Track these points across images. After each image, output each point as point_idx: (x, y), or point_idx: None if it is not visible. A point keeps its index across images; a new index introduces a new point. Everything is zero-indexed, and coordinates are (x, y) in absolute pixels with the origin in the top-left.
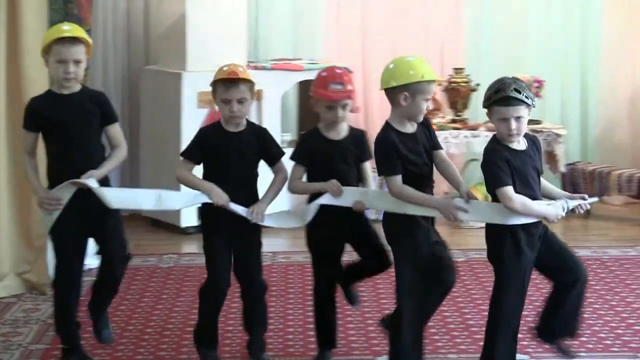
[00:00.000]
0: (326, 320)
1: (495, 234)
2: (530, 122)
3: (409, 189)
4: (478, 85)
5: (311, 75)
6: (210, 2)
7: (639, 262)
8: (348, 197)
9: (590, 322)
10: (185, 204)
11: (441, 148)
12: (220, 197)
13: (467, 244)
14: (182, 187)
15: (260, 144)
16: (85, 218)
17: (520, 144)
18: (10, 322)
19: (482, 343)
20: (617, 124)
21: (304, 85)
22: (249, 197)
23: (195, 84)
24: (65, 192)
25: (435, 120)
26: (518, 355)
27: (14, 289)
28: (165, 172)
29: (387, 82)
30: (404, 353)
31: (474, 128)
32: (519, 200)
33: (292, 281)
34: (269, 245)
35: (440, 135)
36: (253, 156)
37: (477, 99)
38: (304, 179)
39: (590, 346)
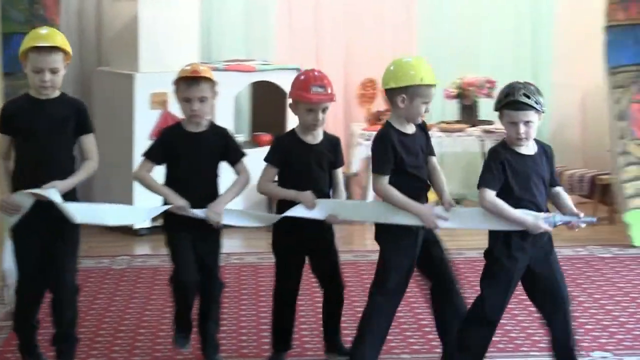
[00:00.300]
0: (284, 324)
1: (492, 232)
2: (482, 122)
3: (393, 191)
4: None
5: (264, 77)
6: (162, 3)
7: (590, 262)
8: (322, 209)
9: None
10: (149, 216)
11: (434, 155)
12: (178, 203)
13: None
14: (138, 189)
15: (223, 145)
16: (45, 228)
17: (528, 149)
18: None
19: (435, 343)
20: (568, 125)
21: (256, 86)
22: (210, 197)
23: (147, 85)
24: (25, 199)
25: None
26: None
27: None
28: (118, 174)
29: (387, 82)
30: (361, 348)
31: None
32: (492, 201)
33: (245, 282)
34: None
35: None
36: (215, 157)
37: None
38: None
39: (543, 345)
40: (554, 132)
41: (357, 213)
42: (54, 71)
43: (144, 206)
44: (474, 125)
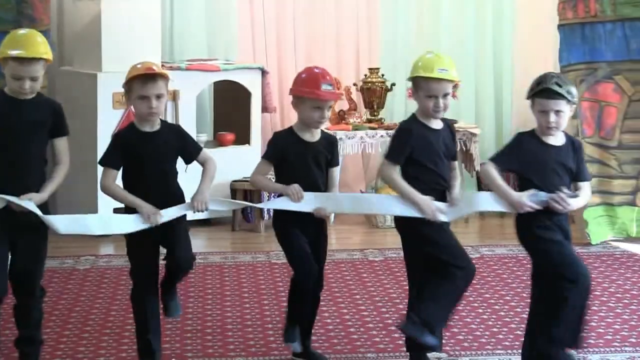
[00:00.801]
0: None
1: (519, 224)
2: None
3: (398, 178)
4: (393, 85)
5: (227, 76)
6: (124, 2)
7: None
8: (310, 202)
9: (507, 319)
10: (136, 227)
11: (455, 159)
12: (151, 214)
13: (384, 244)
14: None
15: (179, 142)
16: (10, 232)
17: (557, 139)
18: None
19: (399, 342)
20: (531, 123)
21: (219, 86)
22: (171, 195)
23: (110, 84)
24: None
25: (352, 120)
26: None
27: None
28: (83, 174)
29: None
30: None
31: (389, 128)
32: (488, 172)
33: (210, 283)
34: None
35: (356, 135)
36: (172, 155)
37: (393, 98)
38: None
39: (507, 344)
40: (516, 130)
41: (346, 205)
42: (34, 79)
43: (130, 216)
44: None
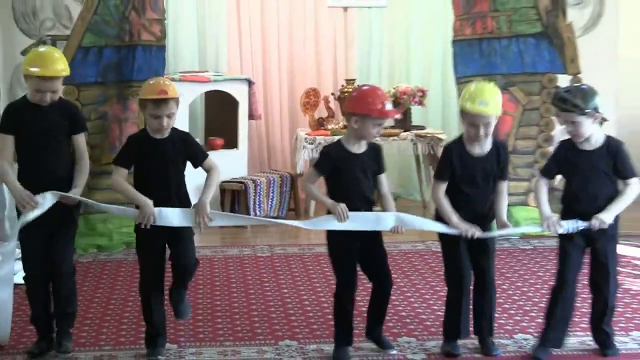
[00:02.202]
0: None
1: None
2: (415, 127)
3: (442, 199)
4: None
5: (217, 86)
6: None
7: (512, 253)
8: (354, 221)
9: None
10: (134, 218)
11: (504, 180)
12: (147, 215)
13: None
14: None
15: (186, 149)
16: (47, 222)
17: (590, 144)
18: None
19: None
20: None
21: (209, 95)
22: (179, 198)
23: None
24: (49, 198)
25: (330, 126)
26: None
27: None
28: None
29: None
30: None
31: None
32: (537, 185)
33: (201, 274)
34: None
35: (334, 139)
36: (178, 160)
37: None
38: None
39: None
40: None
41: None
42: (54, 92)
43: (132, 209)
44: (407, 130)
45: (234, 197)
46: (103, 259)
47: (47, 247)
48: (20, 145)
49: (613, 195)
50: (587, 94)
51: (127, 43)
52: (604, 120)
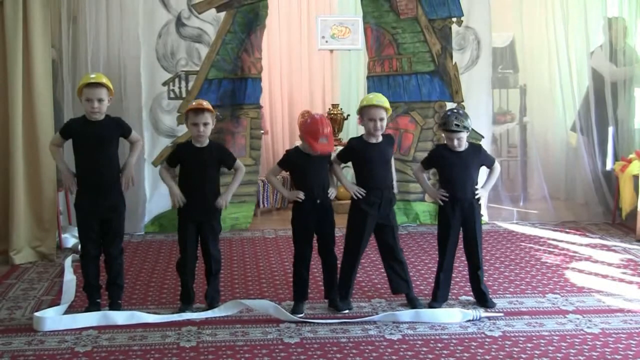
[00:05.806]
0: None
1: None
2: None
3: (420, 174)
4: (348, 115)
5: None
6: None
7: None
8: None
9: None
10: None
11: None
12: (177, 199)
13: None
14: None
15: (220, 156)
16: (103, 210)
17: (461, 147)
18: (27, 281)
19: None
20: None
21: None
22: (211, 194)
23: None
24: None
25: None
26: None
27: (29, 258)
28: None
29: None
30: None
31: (344, 144)
32: (418, 172)
33: (222, 251)
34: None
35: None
36: (215, 166)
37: (348, 124)
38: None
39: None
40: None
41: None
42: (100, 100)
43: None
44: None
45: None
46: (149, 239)
47: (102, 231)
48: (76, 151)
49: (475, 182)
50: (467, 117)
51: (240, 76)
52: (480, 136)
